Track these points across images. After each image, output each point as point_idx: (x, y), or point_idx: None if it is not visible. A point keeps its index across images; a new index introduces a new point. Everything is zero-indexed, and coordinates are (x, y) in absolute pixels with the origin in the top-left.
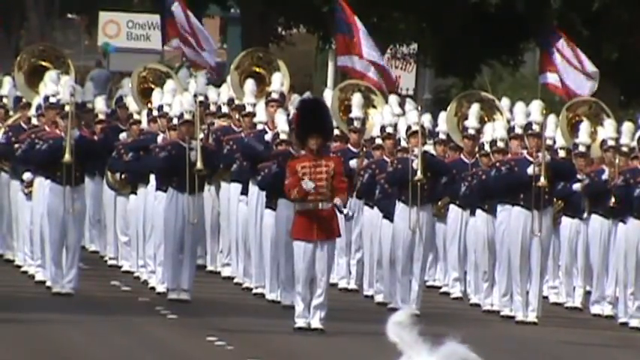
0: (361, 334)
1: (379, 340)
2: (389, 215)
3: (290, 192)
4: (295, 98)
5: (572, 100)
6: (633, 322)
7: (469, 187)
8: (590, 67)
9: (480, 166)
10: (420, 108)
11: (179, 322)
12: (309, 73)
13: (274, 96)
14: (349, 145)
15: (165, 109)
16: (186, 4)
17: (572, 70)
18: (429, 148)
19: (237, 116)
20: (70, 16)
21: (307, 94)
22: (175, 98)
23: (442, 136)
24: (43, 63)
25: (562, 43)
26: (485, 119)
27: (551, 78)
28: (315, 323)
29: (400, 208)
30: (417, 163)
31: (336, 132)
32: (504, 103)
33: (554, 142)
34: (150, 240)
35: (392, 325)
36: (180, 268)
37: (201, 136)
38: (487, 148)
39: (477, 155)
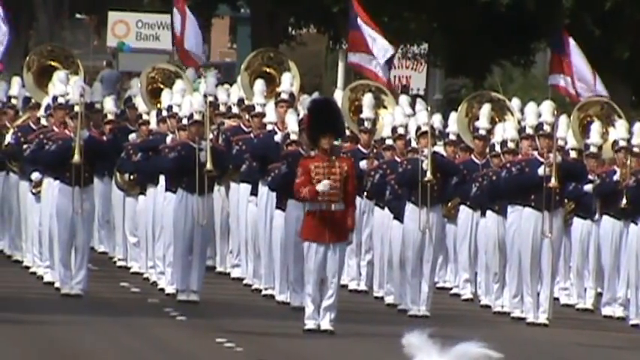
0: (371, 335)
1: (389, 342)
2: (399, 216)
3: (299, 191)
4: (305, 99)
5: (584, 100)
6: None
7: (480, 187)
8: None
9: (490, 166)
10: (429, 108)
11: (188, 324)
12: (320, 74)
13: (284, 96)
14: (359, 146)
15: (175, 109)
16: (194, 5)
17: (588, 70)
18: (440, 148)
19: (246, 116)
20: (79, 16)
21: (315, 95)
22: (185, 98)
23: (452, 137)
24: (52, 63)
25: (573, 45)
26: (496, 120)
27: (560, 79)
28: (325, 325)
29: (410, 209)
30: (426, 164)
31: (347, 132)
32: (515, 103)
33: (566, 143)
34: (159, 241)
35: (407, 341)
36: (189, 269)
37: (211, 136)
38: (498, 148)
39: (488, 156)
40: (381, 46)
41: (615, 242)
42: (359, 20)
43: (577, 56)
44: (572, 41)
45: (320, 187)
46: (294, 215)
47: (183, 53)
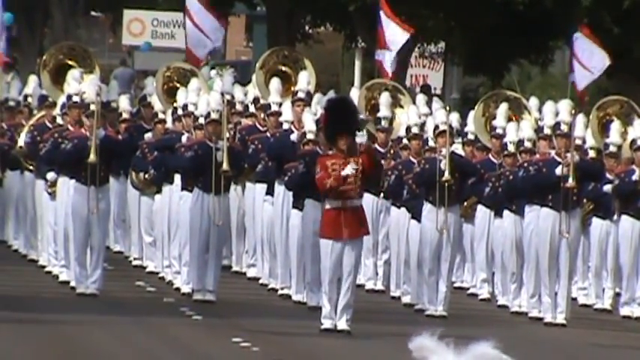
0: (388, 335)
1: (406, 342)
2: (417, 216)
3: (324, 183)
4: (320, 98)
5: (603, 99)
6: None
7: (493, 187)
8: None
9: (504, 166)
10: (447, 108)
11: (204, 323)
12: (336, 72)
13: (301, 95)
14: (376, 145)
15: (190, 108)
16: (209, 3)
17: (596, 51)
18: (458, 147)
19: (262, 115)
20: (94, 14)
21: (331, 93)
22: (202, 97)
23: (470, 136)
24: (69, 62)
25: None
26: (513, 119)
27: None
28: (342, 325)
29: (428, 208)
30: (444, 164)
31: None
32: (533, 102)
33: (584, 142)
34: (175, 240)
35: (414, 346)
36: (205, 268)
37: (228, 136)
38: (510, 148)
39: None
40: (394, 34)
41: (634, 242)
42: (382, 15)
43: (581, 48)
44: (577, 35)
45: (346, 171)
46: (311, 215)
47: (188, 52)
